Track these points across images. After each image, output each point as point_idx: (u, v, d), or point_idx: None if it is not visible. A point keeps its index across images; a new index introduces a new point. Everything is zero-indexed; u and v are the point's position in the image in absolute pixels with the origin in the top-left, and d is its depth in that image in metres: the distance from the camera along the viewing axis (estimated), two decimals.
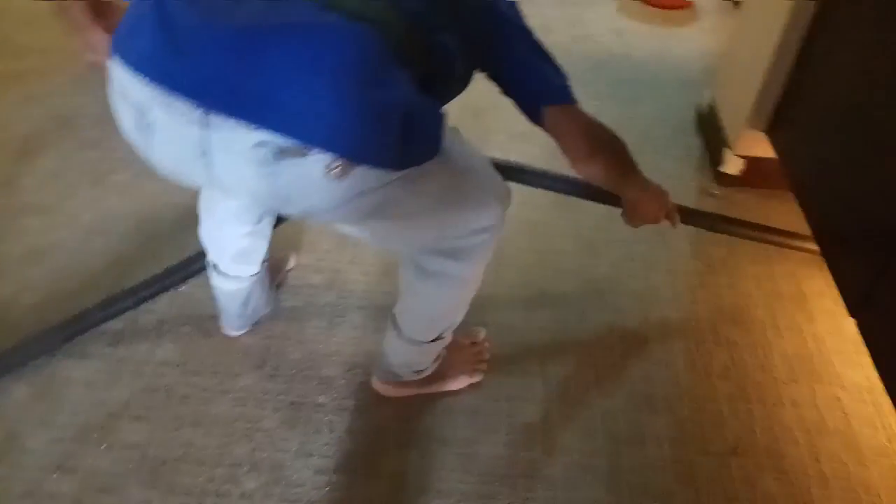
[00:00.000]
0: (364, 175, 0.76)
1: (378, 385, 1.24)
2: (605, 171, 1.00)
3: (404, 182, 0.81)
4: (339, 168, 0.73)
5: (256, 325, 1.34)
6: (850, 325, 1.16)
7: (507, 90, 0.96)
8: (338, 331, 1.36)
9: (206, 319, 1.34)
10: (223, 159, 0.75)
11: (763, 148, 1.57)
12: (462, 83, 0.92)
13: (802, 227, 1.33)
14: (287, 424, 1.20)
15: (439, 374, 1.23)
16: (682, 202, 1.71)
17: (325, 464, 1.15)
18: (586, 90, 2.06)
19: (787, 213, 1.60)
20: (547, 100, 0.94)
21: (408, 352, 1.16)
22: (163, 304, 1.37)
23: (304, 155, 0.72)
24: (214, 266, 1.22)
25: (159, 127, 0.76)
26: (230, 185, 0.81)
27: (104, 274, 1.44)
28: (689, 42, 2.31)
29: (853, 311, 1.18)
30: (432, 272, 1.02)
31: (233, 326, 1.31)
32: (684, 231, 1.60)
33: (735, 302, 1.45)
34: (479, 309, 1.40)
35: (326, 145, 0.72)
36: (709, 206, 1.66)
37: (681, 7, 2.47)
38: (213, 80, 0.71)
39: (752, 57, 1.54)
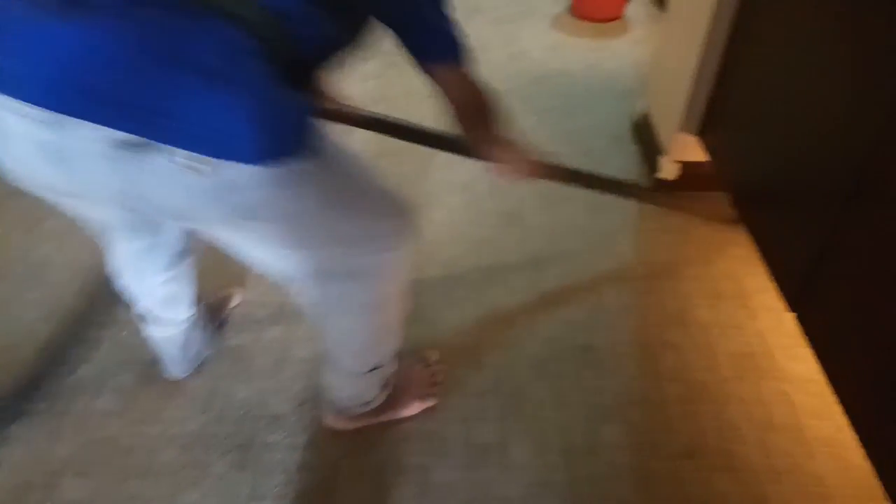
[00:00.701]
0: (226, 171, 0.71)
1: (330, 420, 1.22)
2: (483, 128, 1.02)
3: (280, 182, 0.76)
4: (198, 164, 0.69)
5: (201, 367, 1.31)
6: (790, 320, 1.18)
7: (400, 41, 0.91)
8: (286, 366, 1.33)
9: (148, 365, 1.30)
10: (80, 162, 0.71)
11: (696, 151, 1.60)
12: (349, 44, 0.86)
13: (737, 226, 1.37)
14: (237, 468, 1.17)
15: (391, 402, 1.22)
16: (622, 212, 1.76)
17: None
18: (525, 106, 2.14)
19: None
20: (438, 58, 0.93)
21: (349, 385, 1.14)
22: (102, 353, 1.33)
23: (160, 151, 0.68)
24: (143, 316, 1.19)
25: (10, 134, 0.71)
26: (91, 188, 0.75)
27: (41, 326, 1.39)
28: (622, 53, 2.36)
29: (791, 306, 1.21)
30: (336, 298, 0.98)
31: (175, 371, 1.28)
32: (628, 240, 1.64)
33: (679, 305, 1.47)
34: (431, 330, 1.41)
35: (178, 142, 0.68)
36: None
37: (612, 19, 2.53)
38: (60, 80, 0.66)
39: (679, 64, 1.58)
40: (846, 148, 1.04)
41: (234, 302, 1.44)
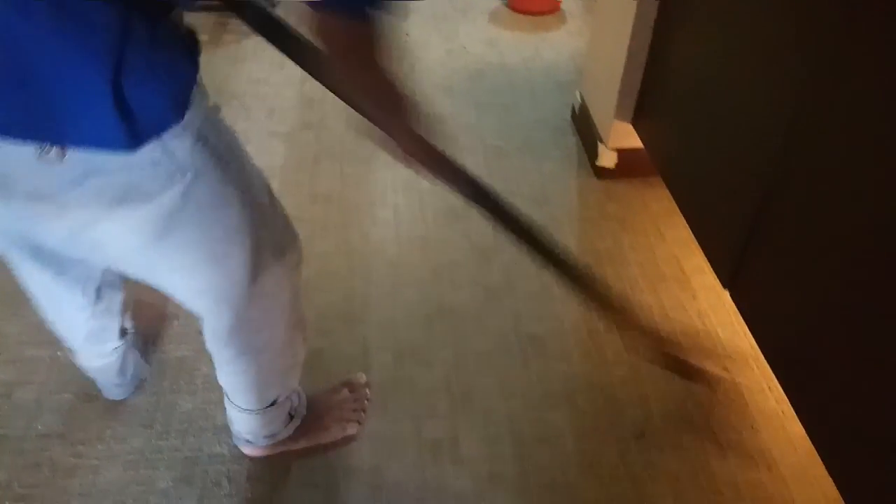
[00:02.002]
0: (84, 155, 0.63)
1: (244, 450, 1.17)
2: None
3: (147, 168, 0.67)
4: (52, 149, 0.62)
5: (142, 382, 1.27)
6: (728, 298, 1.21)
7: None
8: None
9: (88, 384, 1.26)
10: None
11: (633, 138, 1.63)
12: None
13: (674, 210, 1.40)
14: (183, 481, 1.14)
15: (308, 429, 1.18)
16: (564, 202, 1.78)
17: None
18: (465, 100, 2.14)
19: (661, 199, 1.68)
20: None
21: (247, 420, 1.09)
22: (41, 374, 1.29)
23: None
24: (72, 350, 1.14)
25: None
26: None
27: None
28: (560, 45, 2.39)
29: (726, 284, 1.24)
30: (225, 336, 0.93)
31: (114, 396, 1.24)
32: (570, 230, 1.66)
33: (622, 289, 1.49)
34: (379, 331, 1.41)
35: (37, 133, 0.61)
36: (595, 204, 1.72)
37: (549, 12, 2.56)
38: None
39: (611, 52, 1.61)
40: (767, 130, 1.07)
41: (168, 319, 1.40)
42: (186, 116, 0.66)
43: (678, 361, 1.22)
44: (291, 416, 1.14)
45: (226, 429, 1.19)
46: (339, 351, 1.36)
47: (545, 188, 1.76)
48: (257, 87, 2.12)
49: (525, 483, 1.16)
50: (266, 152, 1.83)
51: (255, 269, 0.84)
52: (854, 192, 0.88)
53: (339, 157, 1.82)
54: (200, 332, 1.36)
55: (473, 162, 1.82)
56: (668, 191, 1.45)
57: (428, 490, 1.15)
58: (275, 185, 1.71)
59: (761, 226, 1.10)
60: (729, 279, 1.22)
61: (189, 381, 1.29)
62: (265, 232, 0.84)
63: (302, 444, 1.18)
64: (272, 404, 1.07)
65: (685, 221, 1.38)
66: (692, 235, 1.36)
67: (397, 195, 1.72)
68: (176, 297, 0.87)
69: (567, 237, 1.63)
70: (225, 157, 0.74)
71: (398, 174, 1.78)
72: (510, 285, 1.51)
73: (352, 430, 1.21)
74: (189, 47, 0.66)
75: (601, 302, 1.11)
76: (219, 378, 1.05)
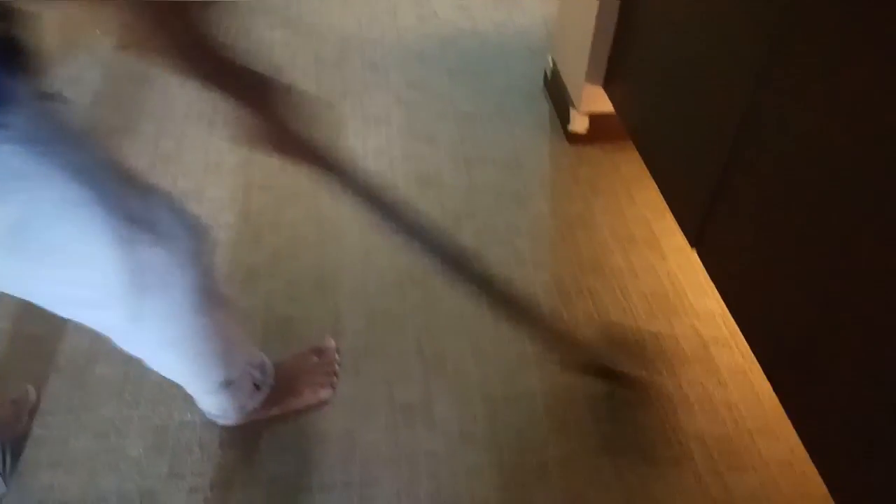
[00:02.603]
0: None
1: (216, 420, 1.16)
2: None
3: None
4: None
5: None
6: (697, 259, 1.22)
7: None
8: None
9: (57, 354, 1.25)
10: None
11: (604, 103, 1.63)
12: None
13: (645, 173, 1.40)
14: (154, 449, 1.14)
15: (279, 396, 1.16)
16: (536, 167, 1.78)
17: (198, 482, 1.10)
18: (438, 67, 2.12)
19: (632, 163, 1.68)
20: None
21: (207, 400, 1.09)
22: (3, 345, 1.28)
23: None
24: None
25: None
26: None
27: None
28: (532, 10, 2.36)
29: (693, 243, 1.25)
30: (124, 337, 0.89)
31: None
32: (542, 195, 1.66)
33: (593, 253, 1.50)
34: (351, 297, 1.40)
35: None
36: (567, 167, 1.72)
37: None
38: None
39: (582, 16, 1.59)
40: (732, 91, 1.07)
41: (31, 396, 1.20)
42: (14, 124, 0.63)
43: (600, 367, 1.20)
44: (258, 387, 1.12)
45: None
46: (311, 317, 1.36)
47: (517, 154, 1.76)
48: None
49: (496, 441, 1.17)
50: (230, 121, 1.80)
51: (132, 263, 0.77)
52: (816, 151, 0.88)
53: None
54: None
55: (445, 128, 1.81)
56: (638, 155, 1.45)
57: (400, 451, 1.16)
58: (238, 155, 1.69)
59: (727, 185, 1.11)
60: (696, 237, 1.23)
61: None
62: (136, 224, 0.76)
63: (275, 411, 1.17)
64: (228, 384, 1.04)
65: (655, 185, 1.39)
66: (662, 199, 1.36)
67: (367, 161, 1.70)
68: (58, 314, 0.80)
69: (539, 202, 1.63)
70: (72, 156, 0.69)
71: (368, 141, 1.76)
72: (481, 250, 1.51)
73: (325, 394, 1.21)
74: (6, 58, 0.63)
75: (516, 312, 1.13)
76: (155, 370, 1.00)
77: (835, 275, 0.86)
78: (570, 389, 1.24)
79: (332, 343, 1.29)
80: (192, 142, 1.73)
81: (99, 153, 0.76)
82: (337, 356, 1.27)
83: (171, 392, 1.21)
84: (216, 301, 0.94)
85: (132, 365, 1.24)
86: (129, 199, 0.77)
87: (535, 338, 1.23)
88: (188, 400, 1.18)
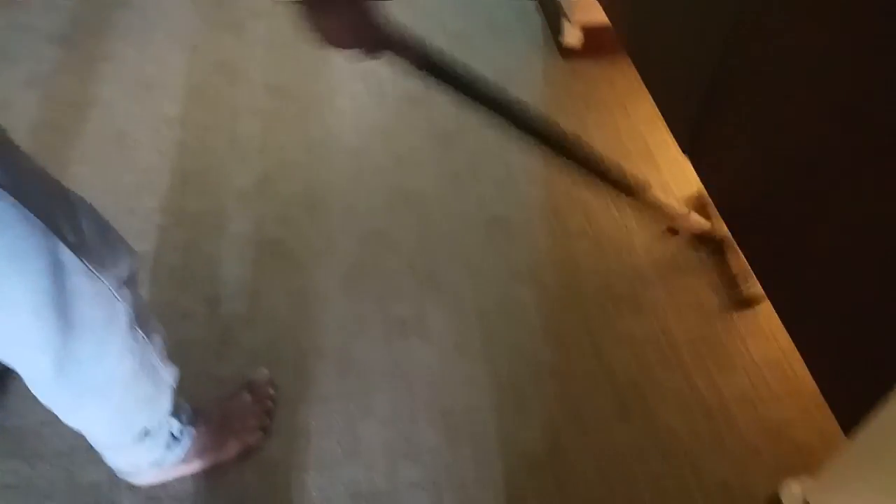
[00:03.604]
0: None
1: (130, 480, 1.02)
2: None
3: None
4: None
5: None
6: (692, 170, 1.21)
7: None
8: None
9: None
10: None
11: (597, 12, 1.58)
12: None
13: (640, 87, 1.37)
14: None
15: (203, 447, 1.02)
16: (530, 84, 1.74)
17: None
18: None
19: (627, 76, 1.65)
20: None
21: (117, 456, 0.96)
22: None
23: None
24: None
25: None
26: None
27: None
28: None
29: (686, 149, 1.23)
30: (46, 381, 0.77)
31: None
32: (534, 109, 1.62)
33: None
34: (343, 218, 1.40)
35: None
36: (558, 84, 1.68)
37: None
38: None
39: None
40: None
41: None
42: None
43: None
44: (176, 438, 0.99)
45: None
46: (303, 238, 1.35)
47: (510, 71, 1.72)
48: None
49: (490, 352, 1.19)
50: (213, 44, 1.75)
51: (61, 297, 0.68)
52: (805, 54, 0.86)
53: (292, 47, 1.74)
54: None
55: (436, 46, 1.76)
56: (633, 68, 1.42)
57: (396, 364, 1.17)
58: (223, 80, 1.64)
59: (717, 92, 1.09)
60: (689, 145, 1.22)
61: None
62: (64, 243, 0.68)
63: (196, 465, 1.03)
64: (145, 434, 0.91)
65: (650, 97, 1.36)
66: (657, 111, 1.34)
67: (356, 83, 1.66)
68: None
69: None
70: None
71: (355, 65, 1.72)
72: (474, 170, 1.50)
73: (253, 440, 1.07)
74: None
75: (594, 170, 1.09)
76: (68, 423, 0.85)
77: (826, 178, 0.85)
78: (563, 301, 1.25)
79: (265, 374, 1.14)
80: (175, 66, 1.68)
81: (24, 164, 0.67)
82: (271, 390, 1.12)
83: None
84: (146, 337, 0.83)
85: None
86: (57, 218, 0.67)
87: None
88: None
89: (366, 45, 0.82)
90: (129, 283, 0.79)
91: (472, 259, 1.32)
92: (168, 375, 0.91)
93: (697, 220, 1.26)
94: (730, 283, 1.25)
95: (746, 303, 1.22)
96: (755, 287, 1.19)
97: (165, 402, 0.93)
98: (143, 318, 0.82)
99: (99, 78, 1.66)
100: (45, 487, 1.03)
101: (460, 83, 0.96)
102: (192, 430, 1.00)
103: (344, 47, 0.80)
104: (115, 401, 0.83)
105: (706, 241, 1.29)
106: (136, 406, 0.87)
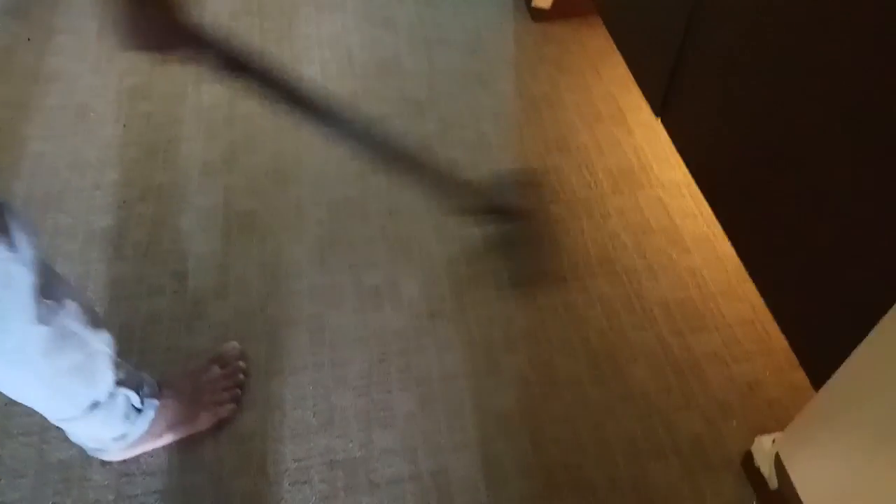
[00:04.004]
0: None
1: (99, 457, 1.01)
2: None
3: None
4: None
5: None
6: (664, 132, 1.20)
7: None
8: None
9: None
10: None
11: None
12: None
13: (611, 49, 1.35)
14: None
15: (172, 420, 1.01)
16: (500, 48, 1.71)
17: None
18: None
19: (598, 38, 1.63)
20: None
21: (77, 432, 0.94)
22: None
23: None
24: None
25: None
26: None
27: None
28: None
29: (657, 112, 1.22)
30: None
31: None
32: (507, 76, 1.61)
33: (559, 131, 1.47)
34: (312, 188, 1.37)
35: None
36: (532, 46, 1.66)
37: None
38: None
39: None
40: None
41: None
42: None
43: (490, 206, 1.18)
44: (138, 410, 0.97)
45: None
46: (272, 209, 1.33)
47: (480, 35, 1.69)
48: None
49: (464, 318, 1.18)
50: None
51: None
52: (776, 9, 0.85)
53: (256, 13, 1.70)
54: None
55: (404, 12, 1.73)
56: (604, 29, 1.40)
57: (369, 332, 1.17)
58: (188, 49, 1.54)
59: (689, 49, 1.07)
60: (660, 106, 1.21)
61: None
62: None
63: (167, 439, 1.02)
64: (94, 406, 0.89)
65: (622, 59, 1.34)
66: (629, 73, 1.32)
67: (323, 50, 1.63)
68: None
69: (503, 83, 1.58)
70: None
71: (322, 29, 1.68)
72: (446, 135, 1.48)
73: (224, 412, 1.05)
74: None
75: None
76: (10, 396, 0.84)
77: (798, 140, 0.85)
78: (538, 266, 1.25)
79: (235, 347, 1.12)
80: None
81: None
82: (241, 363, 1.10)
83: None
84: (57, 302, 0.79)
85: None
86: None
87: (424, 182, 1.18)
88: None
89: (170, 44, 0.80)
90: (23, 245, 0.74)
91: (445, 225, 1.31)
92: (98, 342, 0.86)
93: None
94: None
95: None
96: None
97: (104, 370, 0.89)
98: (50, 283, 0.78)
99: (58, 51, 1.61)
100: (16, 466, 1.02)
101: (270, 80, 0.95)
102: (155, 403, 0.98)
103: (149, 48, 0.78)
104: (40, 370, 0.80)
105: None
106: (69, 375, 0.83)
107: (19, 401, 0.84)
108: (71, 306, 0.81)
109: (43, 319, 0.76)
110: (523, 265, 1.25)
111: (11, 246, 0.71)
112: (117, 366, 0.91)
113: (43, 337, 0.77)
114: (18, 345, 0.75)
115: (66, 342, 0.81)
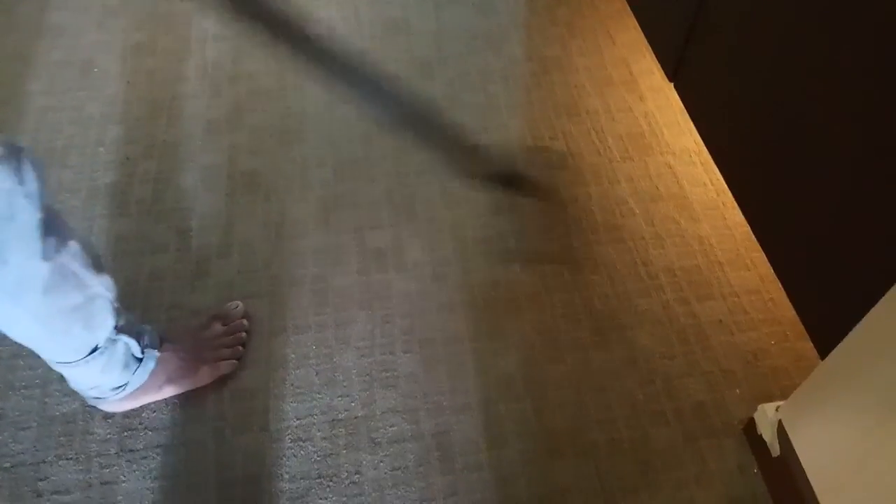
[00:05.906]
0: None
1: (100, 407, 1.01)
2: None
3: None
4: None
5: None
6: (676, 98, 1.17)
7: None
8: None
9: None
10: None
11: None
12: None
13: (625, 12, 1.32)
14: None
15: (173, 373, 1.01)
16: (512, 10, 1.67)
17: None
18: None
19: (610, 0, 1.59)
20: None
21: (72, 375, 0.93)
22: None
23: None
24: None
25: None
26: None
27: None
28: None
29: (670, 76, 1.20)
30: None
31: None
32: (516, 38, 1.57)
33: (569, 96, 1.44)
34: (317, 148, 1.36)
35: None
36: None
37: None
38: None
39: None
40: None
41: None
42: None
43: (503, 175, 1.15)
44: (138, 359, 0.97)
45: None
46: (277, 169, 1.32)
47: None
48: None
49: (468, 281, 1.17)
50: None
51: None
52: None
53: None
54: None
55: None
56: None
57: (373, 293, 1.16)
58: (192, 6, 1.55)
59: (705, 12, 1.04)
60: (673, 71, 1.18)
61: None
62: None
63: (168, 392, 1.03)
64: (93, 351, 0.89)
65: (635, 23, 1.31)
66: (642, 37, 1.29)
67: (330, 8, 1.60)
68: None
69: (513, 46, 1.55)
70: None
71: None
72: (454, 98, 1.46)
73: (226, 368, 1.06)
74: None
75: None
76: (10, 336, 0.84)
77: (811, 108, 0.83)
78: (542, 230, 1.24)
79: (239, 307, 1.12)
80: None
81: None
82: (245, 321, 1.11)
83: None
84: (59, 241, 0.79)
85: None
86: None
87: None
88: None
89: None
90: (30, 181, 0.74)
91: (451, 188, 1.30)
92: (98, 284, 0.86)
93: None
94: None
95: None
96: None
97: (104, 314, 0.88)
98: (54, 222, 0.78)
99: (62, 5, 1.59)
100: (19, 419, 1.03)
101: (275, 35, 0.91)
102: (156, 354, 0.98)
103: None
104: (38, 308, 0.79)
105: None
106: (68, 316, 0.83)
107: (17, 340, 0.84)
108: (73, 246, 0.81)
109: (45, 255, 0.76)
110: (529, 230, 1.24)
111: (21, 181, 0.72)
112: (118, 312, 0.91)
113: (44, 273, 0.77)
114: (19, 279, 0.75)
115: (66, 281, 0.80)
